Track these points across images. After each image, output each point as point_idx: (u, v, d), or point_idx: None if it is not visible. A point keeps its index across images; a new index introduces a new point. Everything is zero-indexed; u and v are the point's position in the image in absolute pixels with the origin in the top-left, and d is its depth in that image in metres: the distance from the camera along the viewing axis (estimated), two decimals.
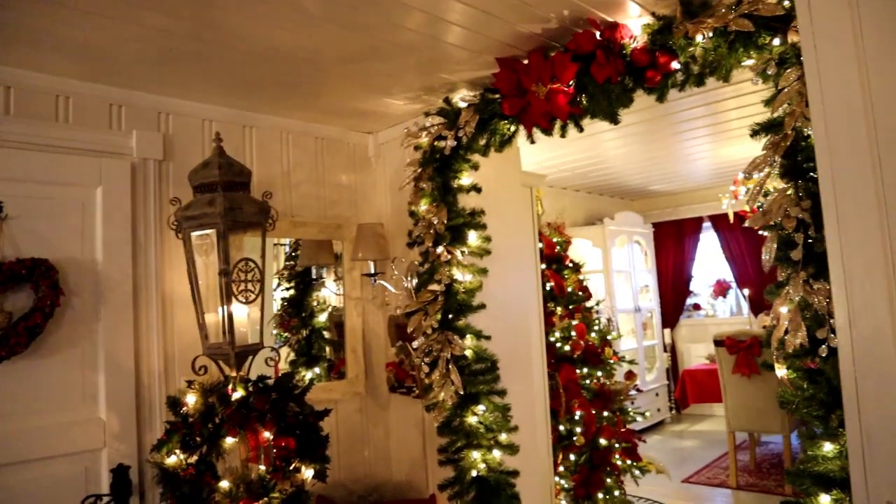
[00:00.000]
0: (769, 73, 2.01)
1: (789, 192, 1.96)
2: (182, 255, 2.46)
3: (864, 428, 1.69)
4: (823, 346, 1.87)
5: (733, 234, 7.88)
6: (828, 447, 1.90)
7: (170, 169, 2.80)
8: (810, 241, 1.91)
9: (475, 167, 2.87)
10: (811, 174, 1.91)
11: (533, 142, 2.65)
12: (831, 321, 1.85)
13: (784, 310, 1.98)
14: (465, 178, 2.85)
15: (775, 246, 1.97)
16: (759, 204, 2.10)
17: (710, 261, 8.65)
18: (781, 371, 2.01)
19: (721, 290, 8.41)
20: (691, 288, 8.55)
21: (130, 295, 2.62)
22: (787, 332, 1.98)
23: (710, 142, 5.72)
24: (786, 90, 1.94)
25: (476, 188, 2.83)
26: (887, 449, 1.65)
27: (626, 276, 7.68)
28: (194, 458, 2.29)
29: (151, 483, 2.47)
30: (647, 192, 8.14)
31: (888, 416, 1.64)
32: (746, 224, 2.24)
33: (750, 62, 2.08)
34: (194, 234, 2.42)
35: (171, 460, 2.27)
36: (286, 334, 3.42)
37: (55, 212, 2.49)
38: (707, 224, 8.25)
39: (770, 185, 2.07)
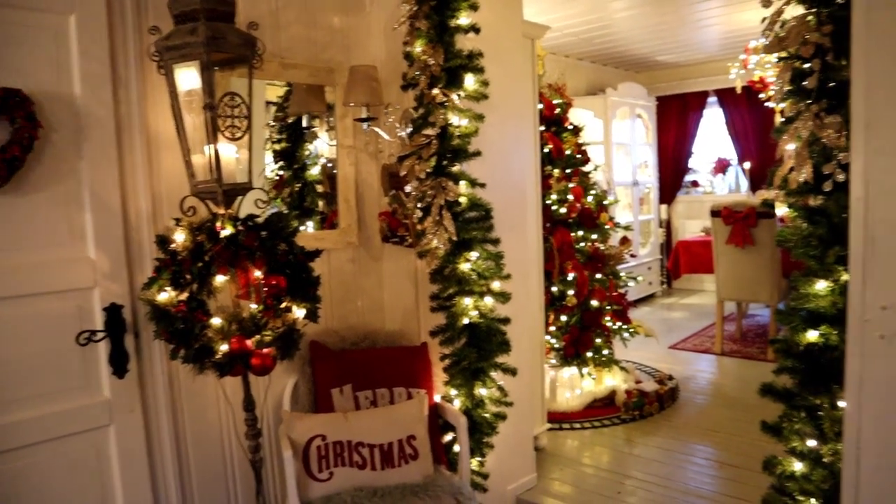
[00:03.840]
0: None
1: (809, 18, 1.83)
2: (166, 92, 2.34)
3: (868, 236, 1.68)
4: (828, 182, 1.81)
5: (738, 110, 7.69)
6: (820, 285, 1.89)
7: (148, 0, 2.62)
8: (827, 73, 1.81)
9: (474, 7, 2.71)
10: None
11: None
12: (839, 156, 1.79)
13: (791, 147, 1.91)
14: (464, 18, 2.69)
15: (789, 76, 1.87)
16: (776, 34, 1.97)
17: (710, 138, 8.52)
18: (782, 209, 1.97)
19: (721, 167, 8.33)
20: (690, 165, 8.47)
21: (113, 132, 2.50)
22: (791, 169, 1.92)
23: (724, 4, 5.42)
24: None
25: (475, 28, 2.68)
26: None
27: (625, 150, 7.57)
28: (185, 296, 2.28)
29: (145, 322, 2.48)
30: (653, 64, 7.86)
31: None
32: (762, 50, 2.13)
33: None
34: (179, 76, 2.29)
35: (162, 297, 2.27)
36: (277, 199, 3.36)
37: (25, 40, 2.32)
38: (712, 99, 8.05)
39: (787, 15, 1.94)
